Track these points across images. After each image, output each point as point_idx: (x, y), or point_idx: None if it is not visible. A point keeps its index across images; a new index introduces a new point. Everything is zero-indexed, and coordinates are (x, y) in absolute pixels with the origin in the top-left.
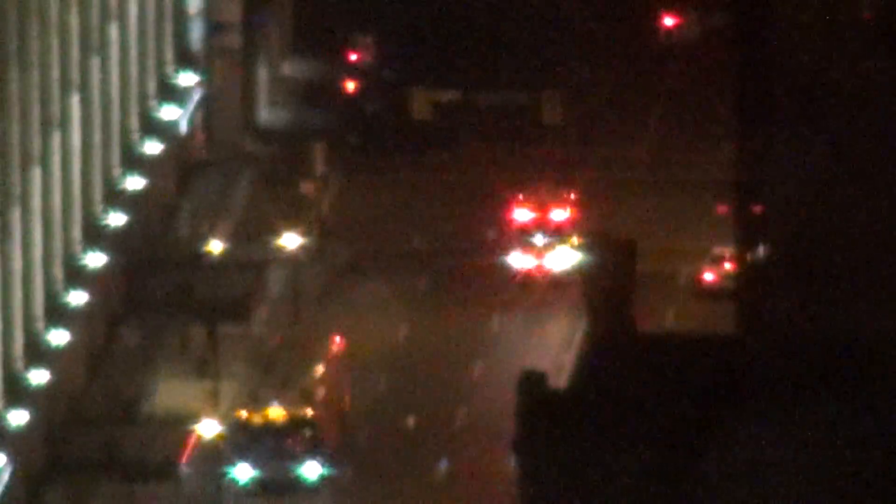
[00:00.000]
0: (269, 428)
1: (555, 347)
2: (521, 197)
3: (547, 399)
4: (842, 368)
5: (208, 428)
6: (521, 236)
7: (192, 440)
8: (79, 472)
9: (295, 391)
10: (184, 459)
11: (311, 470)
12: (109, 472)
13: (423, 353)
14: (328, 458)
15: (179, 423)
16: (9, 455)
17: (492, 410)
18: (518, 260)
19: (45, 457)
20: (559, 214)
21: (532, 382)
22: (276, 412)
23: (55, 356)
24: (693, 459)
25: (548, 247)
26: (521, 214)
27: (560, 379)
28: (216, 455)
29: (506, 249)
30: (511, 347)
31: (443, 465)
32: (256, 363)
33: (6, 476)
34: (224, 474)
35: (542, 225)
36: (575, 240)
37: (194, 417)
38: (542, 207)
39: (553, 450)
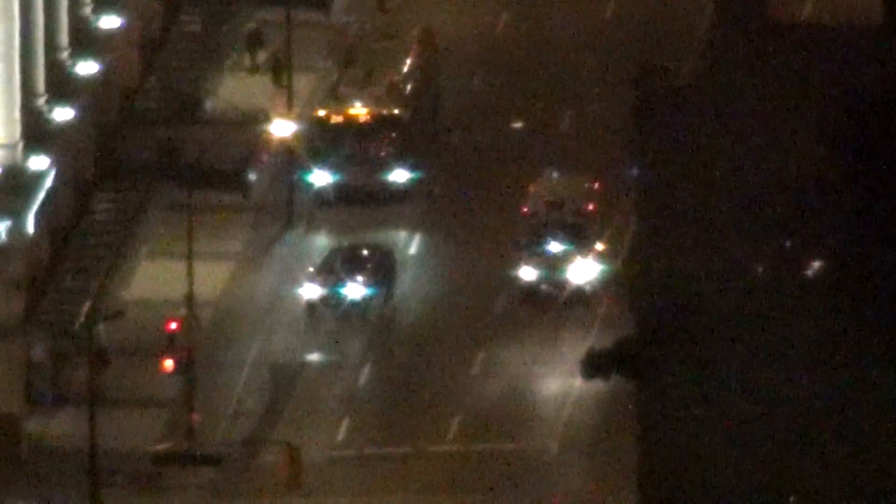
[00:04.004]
0: (351, 128)
1: None
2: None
3: (666, 92)
4: None
5: (280, 128)
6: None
7: (262, 142)
8: (133, 176)
9: (380, 87)
10: (252, 164)
11: (398, 175)
12: (167, 178)
13: (524, 47)
14: (416, 162)
15: (247, 123)
16: (54, 157)
17: (605, 112)
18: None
19: (95, 159)
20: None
21: (651, 74)
22: (359, 110)
23: (105, 44)
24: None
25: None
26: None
27: None
28: (289, 159)
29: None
30: (630, 42)
31: (554, 175)
32: (336, 55)
33: (50, 180)
34: (298, 181)
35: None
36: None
37: (264, 117)
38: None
39: (669, 146)
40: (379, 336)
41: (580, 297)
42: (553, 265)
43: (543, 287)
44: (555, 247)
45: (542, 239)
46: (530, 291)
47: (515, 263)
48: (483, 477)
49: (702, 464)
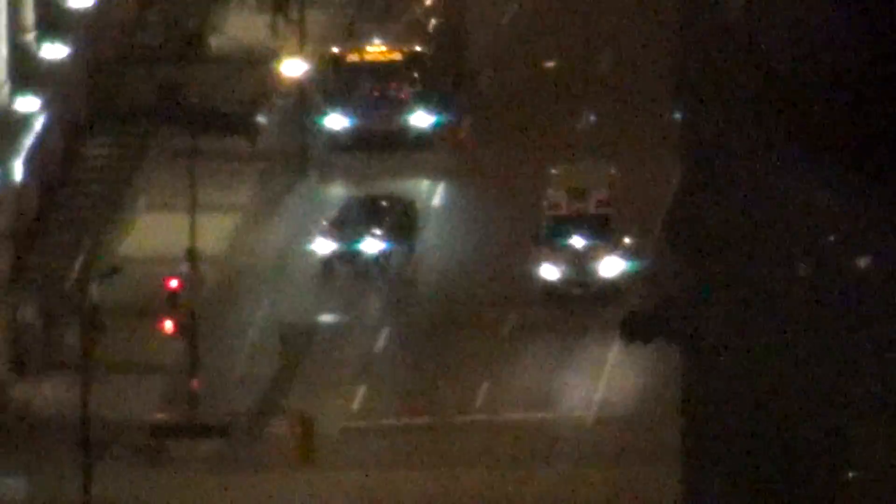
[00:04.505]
0: (370, 68)
1: None
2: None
3: (714, 29)
4: None
5: (292, 68)
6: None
7: (271, 84)
8: (131, 120)
9: (400, 22)
10: (261, 107)
11: (420, 119)
12: (168, 122)
13: None
14: (441, 105)
15: (256, 63)
16: (44, 98)
17: (645, 56)
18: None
19: (88, 101)
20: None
21: (697, 11)
22: (378, 48)
23: None
24: None
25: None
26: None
27: None
28: (302, 102)
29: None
30: None
31: (590, 119)
32: None
33: (40, 124)
34: (311, 125)
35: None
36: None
37: (274, 55)
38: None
39: (715, 96)
40: (399, 295)
41: (610, 296)
42: (578, 262)
43: (568, 287)
44: (578, 241)
45: (565, 232)
46: (553, 292)
47: (534, 260)
48: (512, 449)
49: (749, 434)
